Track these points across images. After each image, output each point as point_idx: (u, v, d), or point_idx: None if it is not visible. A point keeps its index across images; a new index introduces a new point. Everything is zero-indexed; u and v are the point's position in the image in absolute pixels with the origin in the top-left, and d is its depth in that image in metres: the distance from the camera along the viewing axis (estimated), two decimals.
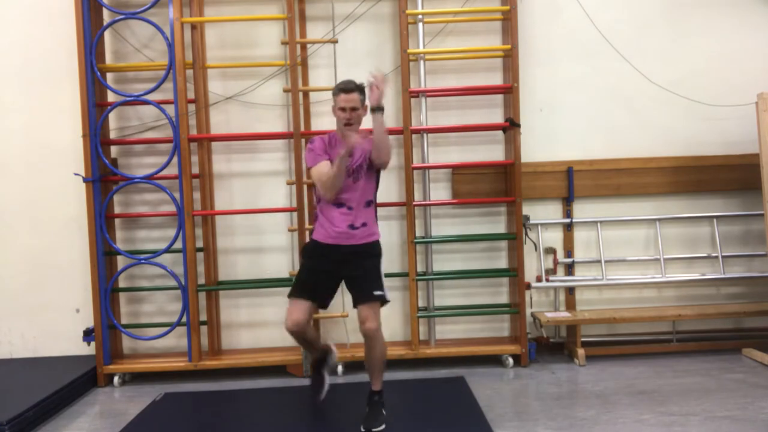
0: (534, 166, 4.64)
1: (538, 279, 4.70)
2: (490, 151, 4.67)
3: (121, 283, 4.56)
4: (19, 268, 4.63)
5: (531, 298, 4.71)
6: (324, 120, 4.58)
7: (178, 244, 4.34)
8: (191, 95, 4.40)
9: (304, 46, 4.51)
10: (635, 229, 4.78)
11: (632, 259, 4.77)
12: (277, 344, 4.63)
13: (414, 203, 4.42)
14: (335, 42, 4.48)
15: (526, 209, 4.58)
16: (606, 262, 4.70)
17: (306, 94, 4.53)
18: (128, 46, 4.58)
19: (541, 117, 4.69)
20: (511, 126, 4.37)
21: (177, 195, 4.33)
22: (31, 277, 4.63)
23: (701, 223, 4.78)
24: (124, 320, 4.59)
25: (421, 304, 4.59)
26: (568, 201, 4.71)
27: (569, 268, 4.76)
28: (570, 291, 4.77)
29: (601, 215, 4.73)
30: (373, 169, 3.49)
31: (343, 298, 4.51)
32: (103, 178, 4.38)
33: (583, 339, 4.53)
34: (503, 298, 4.71)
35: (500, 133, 4.62)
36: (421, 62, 4.54)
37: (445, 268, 4.67)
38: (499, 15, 4.55)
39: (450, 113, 4.62)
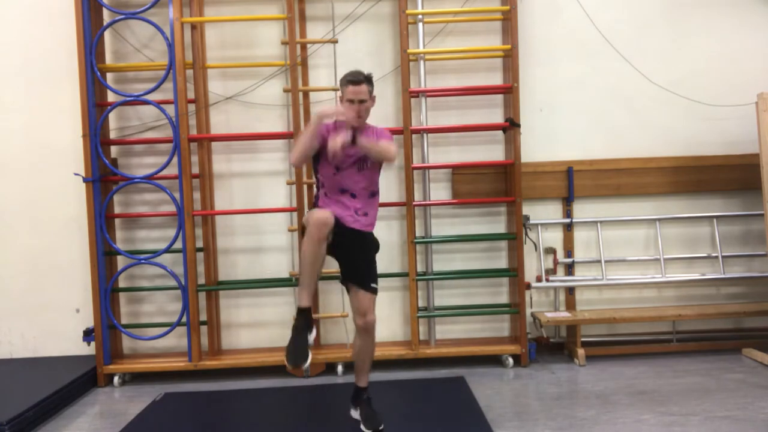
0: (534, 166, 4.64)
1: (538, 279, 4.71)
2: (490, 151, 4.67)
3: (121, 283, 4.56)
4: (19, 268, 4.63)
5: (531, 298, 4.71)
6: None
7: (178, 244, 4.34)
8: (191, 95, 4.40)
9: (304, 46, 4.51)
10: (635, 229, 4.78)
11: (632, 259, 4.77)
12: (277, 344, 4.63)
13: (414, 203, 4.42)
14: (335, 42, 4.48)
15: (526, 209, 4.58)
16: (606, 262, 4.70)
17: (306, 94, 4.53)
18: (128, 46, 4.58)
19: (541, 117, 4.69)
20: (511, 126, 4.37)
21: (177, 195, 4.33)
22: (31, 277, 4.63)
23: (701, 223, 4.78)
24: (124, 320, 4.59)
25: (421, 304, 4.60)
26: (568, 201, 4.71)
27: (569, 268, 4.76)
28: (570, 291, 4.77)
29: (601, 215, 4.73)
30: (375, 164, 3.45)
31: (342, 299, 4.52)
32: (103, 178, 4.38)
33: (583, 339, 4.53)
34: (503, 298, 4.71)
35: (500, 133, 4.62)
36: (421, 62, 4.54)
37: (445, 268, 4.67)
38: (499, 15, 4.56)
39: (450, 113, 4.62)
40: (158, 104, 4.33)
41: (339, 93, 3.41)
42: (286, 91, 4.48)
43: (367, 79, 3.33)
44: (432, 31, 4.60)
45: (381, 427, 3.30)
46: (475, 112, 4.63)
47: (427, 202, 4.57)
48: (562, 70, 4.68)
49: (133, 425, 3.62)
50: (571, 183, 4.67)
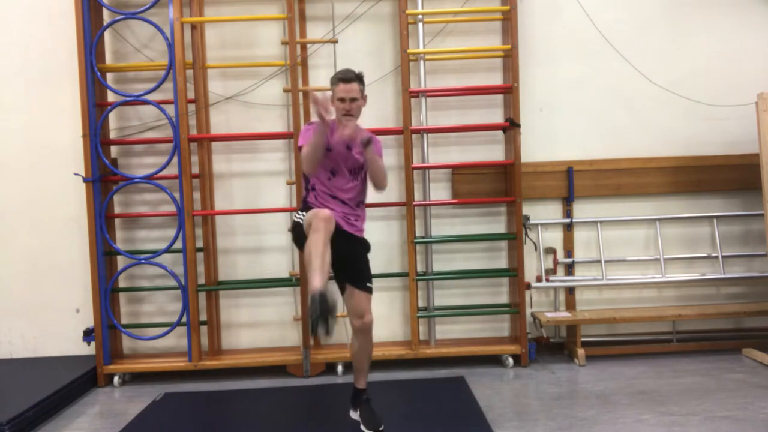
0: (534, 166, 4.64)
1: (538, 279, 4.71)
2: (490, 151, 4.67)
3: (121, 283, 4.56)
4: (19, 268, 4.63)
5: (531, 298, 4.71)
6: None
7: (178, 244, 4.34)
8: (191, 95, 4.40)
9: (304, 46, 4.51)
10: (635, 229, 4.78)
11: (632, 259, 4.77)
12: (277, 344, 4.64)
13: (414, 203, 4.42)
14: (335, 42, 4.48)
15: (526, 209, 4.58)
16: (606, 262, 4.70)
17: (306, 94, 4.53)
18: (128, 46, 4.58)
19: (541, 117, 4.69)
20: (511, 126, 4.37)
21: (177, 195, 4.33)
22: (31, 277, 4.63)
23: (701, 223, 4.78)
24: (124, 320, 4.59)
25: (421, 304, 4.60)
26: (568, 201, 4.71)
27: (569, 268, 4.76)
28: (570, 291, 4.77)
29: (601, 215, 4.73)
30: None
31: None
32: (103, 178, 4.38)
33: (583, 339, 4.53)
34: (503, 298, 4.71)
35: (500, 133, 4.62)
36: (421, 62, 4.54)
37: (445, 268, 4.67)
38: (499, 15, 4.56)
39: (450, 113, 4.62)
40: (158, 104, 4.33)
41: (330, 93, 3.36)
42: (286, 91, 4.49)
43: (358, 78, 3.29)
44: (432, 31, 4.60)
45: (381, 428, 3.30)
46: (475, 112, 4.63)
47: (427, 202, 4.57)
48: (562, 70, 4.68)
49: (133, 425, 3.62)
50: (571, 183, 4.67)
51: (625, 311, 4.62)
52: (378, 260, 4.62)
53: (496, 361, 4.49)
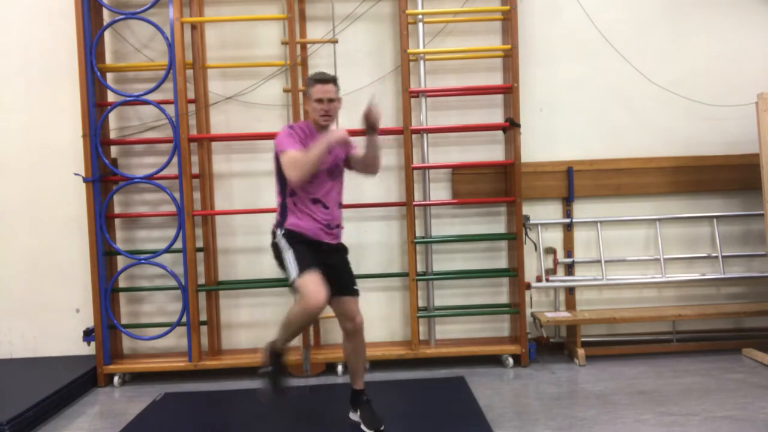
0: (534, 166, 4.64)
1: (538, 279, 4.71)
2: (490, 151, 4.67)
3: (121, 283, 4.56)
4: (19, 268, 4.63)
5: (531, 298, 4.71)
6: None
7: (178, 244, 4.34)
8: (191, 95, 4.40)
9: (304, 46, 4.51)
10: (635, 229, 4.78)
11: (632, 259, 4.77)
12: None
13: (414, 203, 4.42)
14: (335, 42, 4.48)
15: (526, 209, 4.58)
16: (606, 262, 4.70)
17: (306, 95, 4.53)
18: (128, 46, 4.58)
19: (541, 117, 4.69)
20: (511, 126, 4.37)
21: (177, 195, 4.33)
22: (31, 277, 4.63)
23: (701, 223, 4.78)
24: (124, 320, 4.59)
25: (421, 304, 4.59)
26: (568, 201, 4.71)
27: (569, 268, 4.76)
28: (570, 291, 4.77)
29: (601, 215, 4.73)
30: (343, 171, 3.42)
31: None
32: (103, 178, 4.38)
33: (583, 339, 4.53)
34: (503, 298, 4.71)
35: (500, 133, 4.62)
36: (421, 62, 4.54)
37: (445, 268, 4.67)
38: (499, 15, 4.56)
39: (450, 113, 4.62)
40: (158, 104, 4.33)
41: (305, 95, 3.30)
42: (286, 91, 4.49)
43: (334, 80, 3.27)
44: (432, 31, 4.60)
45: (382, 428, 3.30)
46: (475, 112, 4.63)
47: (427, 202, 4.57)
48: (562, 70, 4.68)
49: (133, 425, 3.62)
50: (571, 183, 4.67)
51: (625, 311, 4.62)
52: (378, 260, 4.66)
53: (496, 361, 4.49)
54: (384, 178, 4.66)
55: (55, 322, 4.64)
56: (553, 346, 4.71)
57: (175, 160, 4.30)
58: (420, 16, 4.50)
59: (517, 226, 4.40)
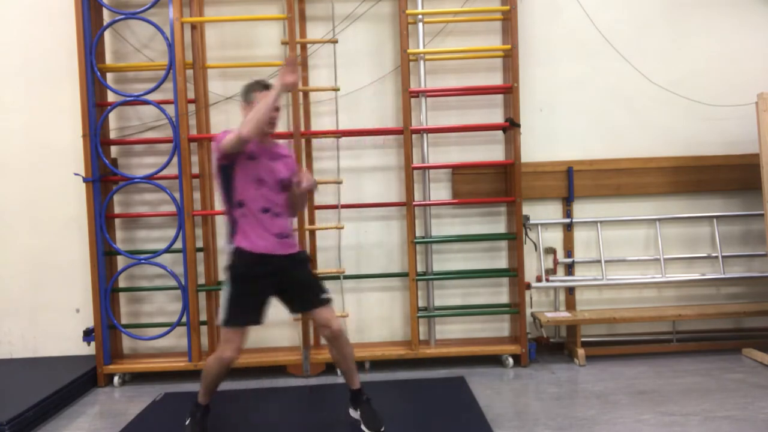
0: (534, 166, 4.64)
1: (538, 279, 4.71)
2: (490, 151, 4.67)
3: (121, 283, 4.56)
4: (19, 268, 4.63)
5: (531, 298, 4.71)
6: (324, 120, 4.59)
7: (178, 244, 4.34)
8: (191, 95, 4.40)
9: (304, 46, 4.51)
10: (635, 229, 4.78)
11: (632, 259, 4.77)
12: (277, 344, 4.64)
13: (414, 203, 4.42)
14: (335, 42, 4.48)
15: (526, 209, 4.58)
16: (606, 262, 4.70)
17: (306, 94, 4.53)
18: (128, 46, 4.58)
19: (541, 117, 4.69)
20: (511, 126, 4.37)
21: (177, 195, 4.33)
22: (31, 277, 4.63)
23: (701, 223, 4.78)
24: (124, 320, 4.59)
25: (421, 304, 4.59)
26: (568, 201, 4.71)
27: (569, 268, 4.76)
28: (570, 291, 4.77)
29: (601, 215, 4.73)
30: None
31: (342, 298, 4.52)
32: (103, 178, 4.38)
33: (583, 339, 4.53)
34: (503, 298, 4.71)
35: (500, 133, 4.62)
36: (421, 62, 4.54)
37: (445, 268, 4.67)
38: (499, 15, 4.55)
39: (450, 113, 4.62)
40: (158, 104, 4.33)
41: (244, 101, 3.25)
42: None
43: None
44: (432, 31, 4.60)
45: (382, 428, 3.30)
46: (475, 112, 4.63)
47: (427, 202, 4.57)
48: (562, 70, 4.68)
49: (133, 425, 3.62)
50: (571, 183, 4.67)
51: (625, 311, 4.62)
52: (378, 260, 4.66)
53: (496, 361, 4.49)
54: (384, 178, 4.67)
55: (55, 322, 4.64)
56: (553, 346, 4.71)
57: (175, 160, 4.30)
58: (420, 16, 4.50)
59: (517, 226, 4.40)
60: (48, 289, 4.63)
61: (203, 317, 4.46)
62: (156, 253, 4.38)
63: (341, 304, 4.54)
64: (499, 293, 4.72)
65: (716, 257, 4.71)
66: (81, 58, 4.24)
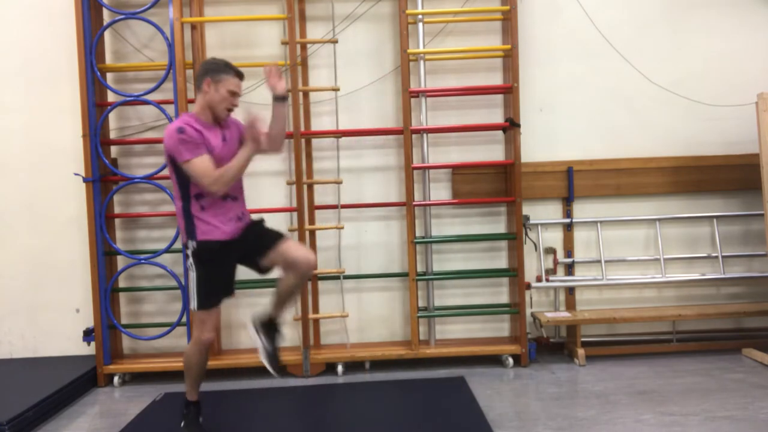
0: (534, 166, 4.64)
1: (538, 279, 4.71)
2: (490, 151, 4.67)
3: (121, 283, 4.56)
4: (19, 268, 4.63)
5: (531, 298, 4.71)
6: (324, 120, 4.59)
7: (178, 244, 4.34)
8: (191, 95, 4.39)
9: (304, 46, 4.51)
10: (635, 229, 4.78)
11: (632, 259, 4.77)
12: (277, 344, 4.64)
13: (414, 203, 4.42)
14: (335, 42, 4.48)
15: (526, 209, 4.58)
16: (606, 262, 4.70)
17: (306, 94, 4.54)
18: (128, 46, 4.58)
19: (541, 117, 4.69)
20: (511, 126, 4.37)
21: None
22: (31, 277, 4.63)
23: (701, 223, 4.78)
24: (124, 320, 4.59)
25: (421, 304, 4.59)
26: (568, 201, 4.71)
27: (569, 268, 4.76)
28: (570, 291, 4.77)
29: (601, 215, 4.73)
30: None
31: (342, 298, 4.52)
32: (103, 178, 4.38)
33: (583, 339, 4.53)
34: (503, 298, 4.71)
35: (500, 133, 4.62)
36: (421, 62, 4.53)
37: (445, 268, 4.67)
38: (499, 15, 4.55)
39: (450, 113, 4.62)
40: (158, 104, 4.33)
41: (208, 79, 3.08)
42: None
43: None
44: (432, 31, 4.60)
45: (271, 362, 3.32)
46: (475, 112, 4.63)
47: (427, 202, 4.56)
48: (562, 70, 4.68)
49: (133, 425, 3.62)
50: (571, 183, 4.67)
51: (625, 311, 4.62)
52: (378, 260, 4.66)
53: (496, 361, 4.49)
54: (384, 178, 4.67)
55: (55, 322, 4.64)
56: (553, 346, 4.71)
57: None
58: (420, 16, 4.50)
59: (517, 226, 4.40)
60: (48, 289, 4.63)
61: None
62: (156, 253, 4.38)
63: (341, 304, 4.54)
64: (499, 293, 4.72)
65: (716, 257, 4.71)
66: (81, 58, 4.24)
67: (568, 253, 4.75)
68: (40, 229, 4.62)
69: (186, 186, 3.08)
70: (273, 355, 3.35)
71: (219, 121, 3.15)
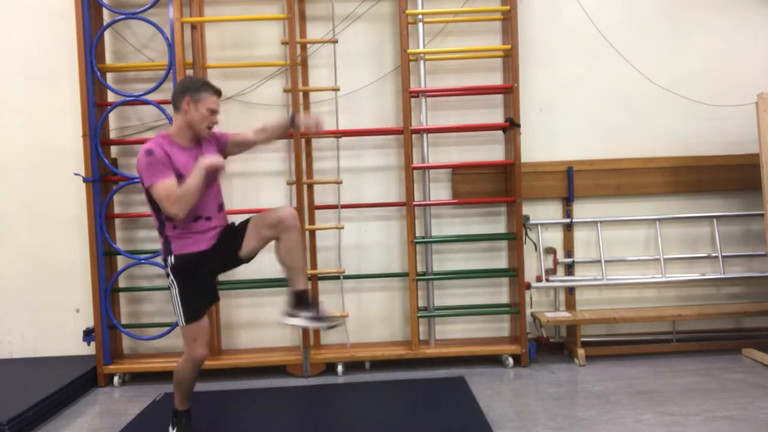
0: (534, 166, 4.64)
1: (538, 279, 4.70)
2: (490, 151, 4.67)
3: (121, 283, 4.56)
4: (19, 268, 4.63)
5: (531, 298, 4.71)
6: (324, 120, 4.57)
7: None
8: None
9: (304, 46, 4.51)
10: (635, 229, 4.78)
11: (632, 259, 4.77)
12: (277, 344, 4.64)
13: (414, 203, 4.42)
14: (335, 42, 4.48)
15: (526, 209, 4.58)
16: (606, 262, 4.70)
17: (306, 94, 4.53)
18: (128, 46, 4.58)
19: (541, 117, 4.69)
20: (511, 126, 4.37)
21: None
22: (31, 277, 4.63)
23: (701, 223, 4.78)
24: (124, 320, 4.59)
25: (421, 304, 4.59)
26: (568, 201, 4.71)
27: (569, 268, 4.76)
28: (570, 291, 4.77)
29: (601, 215, 4.73)
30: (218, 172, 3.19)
31: (342, 298, 4.52)
32: (103, 178, 4.38)
33: (583, 339, 4.53)
34: (503, 298, 4.71)
35: (500, 133, 4.62)
36: (421, 62, 4.53)
37: (445, 268, 4.67)
38: (499, 15, 4.55)
39: (450, 113, 4.62)
40: (158, 104, 4.33)
41: (187, 99, 3.05)
42: (286, 91, 4.49)
43: None
44: (432, 31, 4.60)
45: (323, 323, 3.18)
46: (475, 112, 4.63)
47: (427, 202, 4.56)
48: (562, 70, 4.68)
49: (133, 425, 3.62)
50: (571, 183, 4.67)
51: (625, 311, 4.62)
52: (378, 260, 4.66)
53: (496, 361, 4.49)
54: (384, 178, 4.67)
55: (55, 322, 4.64)
56: (553, 346, 4.71)
57: None
58: (420, 16, 4.50)
59: (517, 226, 4.40)
60: (48, 289, 4.63)
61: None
62: (156, 253, 4.37)
63: (341, 304, 4.54)
64: (499, 293, 4.72)
65: (716, 257, 4.71)
66: (81, 58, 4.24)
67: (568, 253, 4.75)
68: (40, 229, 4.62)
69: (158, 208, 3.05)
70: (318, 318, 3.16)
71: (199, 139, 3.14)
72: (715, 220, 4.73)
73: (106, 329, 4.34)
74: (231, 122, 4.59)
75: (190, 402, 3.35)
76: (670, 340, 4.68)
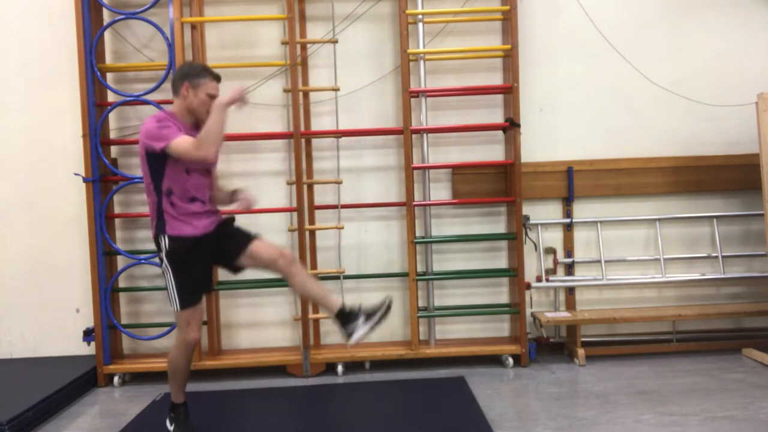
0: (534, 166, 4.64)
1: (538, 279, 4.70)
2: (490, 151, 4.67)
3: (121, 283, 4.56)
4: (19, 268, 4.63)
5: (531, 298, 4.71)
6: (324, 120, 4.59)
7: None
8: None
9: (304, 46, 4.51)
10: (635, 229, 4.78)
11: (632, 259, 4.77)
12: (277, 344, 4.64)
13: (414, 203, 4.42)
14: (335, 42, 4.48)
15: (526, 209, 4.58)
16: (606, 262, 4.70)
17: (306, 94, 4.54)
18: (128, 46, 4.58)
19: (541, 117, 4.69)
20: (511, 126, 4.37)
21: None
22: (31, 277, 4.63)
23: (701, 223, 4.78)
24: (124, 320, 4.59)
25: (421, 304, 4.59)
26: (568, 201, 4.71)
27: (569, 268, 4.76)
28: (570, 291, 4.77)
29: (601, 215, 4.73)
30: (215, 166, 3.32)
31: (343, 298, 4.51)
32: (103, 178, 4.38)
33: (583, 339, 4.53)
34: (503, 298, 4.71)
35: (500, 133, 4.62)
36: (421, 62, 4.53)
37: (445, 268, 4.67)
38: (499, 15, 4.55)
39: (450, 113, 4.62)
40: (158, 104, 4.33)
41: (187, 84, 3.11)
42: (286, 91, 4.49)
43: None
44: (432, 31, 4.60)
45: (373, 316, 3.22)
46: (475, 112, 4.63)
47: (427, 202, 4.56)
48: (562, 70, 4.68)
49: (133, 425, 3.62)
50: (571, 183, 4.67)
51: (625, 311, 4.62)
52: (378, 260, 4.66)
53: (496, 361, 4.49)
54: (384, 177, 4.67)
55: (55, 322, 4.64)
56: (553, 346, 4.71)
57: None
58: (420, 16, 4.50)
59: (517, 226, 4.40)
60: (48, 289, 4.63)
61: (203, 317, 4.45)
62: (156, 252, 4.37)
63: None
64: (499, 293, 4.72)
65: (716, 257, 4.71)
66: (81, 58, 4.24)
67: (568, 253, 4.75)
68: (40, 229, 4.62)
69: (159, 180, 3.07)
70: (370, 316, 3.21)
71: (199, 124, 3.15)
72: (715, 220, 4.73)
73: (106, 329, 4.34)
74: (231, 122, 4.59)
75: (185, 395, 3.35)
76: (670, 340, 4.68)
